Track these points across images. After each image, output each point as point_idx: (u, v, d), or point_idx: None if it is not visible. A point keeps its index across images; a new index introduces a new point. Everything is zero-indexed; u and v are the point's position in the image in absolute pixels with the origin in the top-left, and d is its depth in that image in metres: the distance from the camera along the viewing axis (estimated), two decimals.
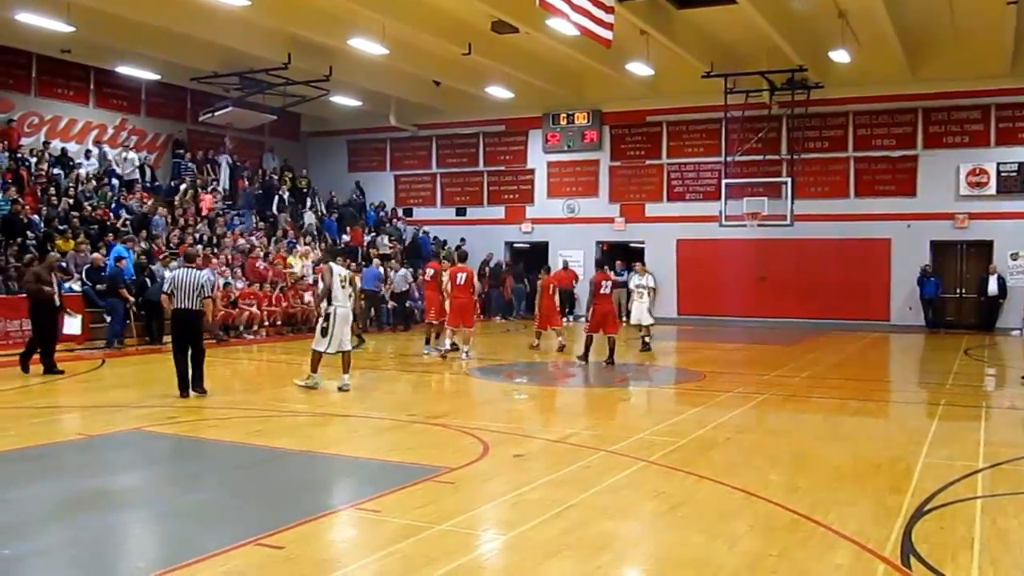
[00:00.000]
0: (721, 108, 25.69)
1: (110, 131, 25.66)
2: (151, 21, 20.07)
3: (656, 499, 7.10)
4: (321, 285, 12.97)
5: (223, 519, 6.63)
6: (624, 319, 20.15)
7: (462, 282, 17.28)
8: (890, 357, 20.36)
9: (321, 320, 12.72)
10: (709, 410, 11.43)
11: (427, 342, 17.95)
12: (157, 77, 25.04)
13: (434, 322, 17.93)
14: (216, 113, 24.86)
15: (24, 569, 5.55)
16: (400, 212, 31.59)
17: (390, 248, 27.30)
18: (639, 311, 18.37)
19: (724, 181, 25.86)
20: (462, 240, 28.78)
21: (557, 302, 18.95)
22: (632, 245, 28.96)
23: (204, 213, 24.61)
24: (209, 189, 25.95)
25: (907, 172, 25.72)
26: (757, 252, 26.61)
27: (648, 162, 28.52)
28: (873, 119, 26.03)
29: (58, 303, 14.28)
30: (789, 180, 25.53)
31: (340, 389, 12.57)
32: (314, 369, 12.72)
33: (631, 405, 13.06)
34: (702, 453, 8.84)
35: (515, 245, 30.46)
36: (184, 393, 11.70)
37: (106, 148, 24.90)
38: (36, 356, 14.03)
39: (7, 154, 21.54)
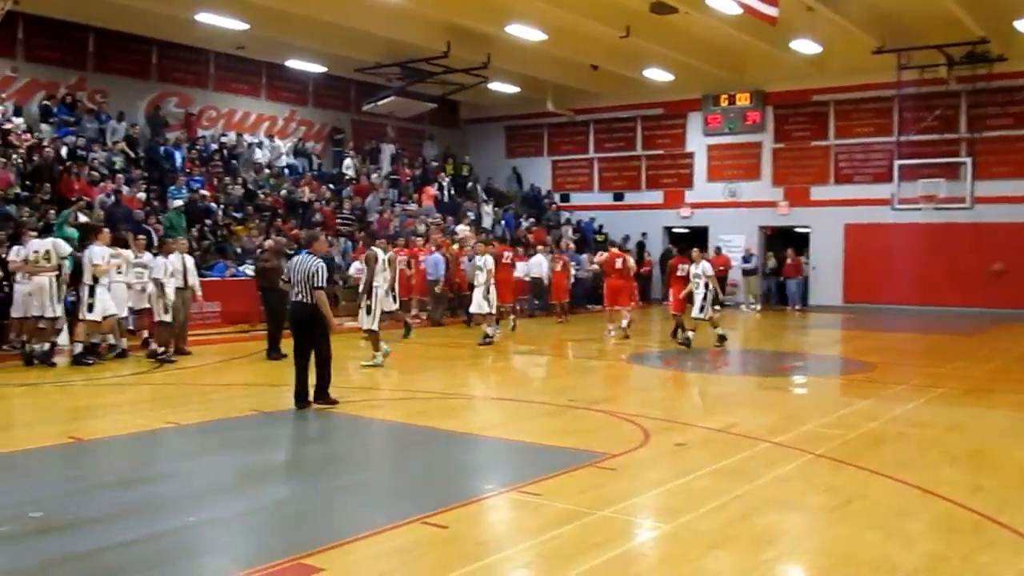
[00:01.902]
0: (893, 85, 24.59)
1: (280, 123, 26.81)
2: (319, 16, 20.76)
3: (825, 493, 6.88)
4: (366, 269, 13.61)
5: (389, 496, 6.83)
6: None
7: (620, 266, 18.23)
8: None
9: (364, 299, 13.40)
10: (880, 402, 10.99)
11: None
12: (324, 70, 25.97)
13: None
14: (379, 103, 25.53)
15: (207, 535, 5.90)
16: (557, 198, 31.65)
17: (574, 239, 27.37)
18: (700, 302, 16.61)
19: (896, 162, 24.76)
20: (644, 235, 29.43)
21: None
22: (796, 230, 28.15)
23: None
24: (373, 177, 26.81)
25: None
26: (932, 237, 25.33)
27: (814, 143, 27.57)
28: None
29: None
30: (969, 160, 24.20)
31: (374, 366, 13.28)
32: (376, 348, 13.47)
33: (796, 395, 12.70)
34: (874, 447, 8.50)
35: (673, 230, 30.06)
36: (298, 402, 9.89)
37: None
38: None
39: (187, 145, 22.88)
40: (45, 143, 19.02)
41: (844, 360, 16.26)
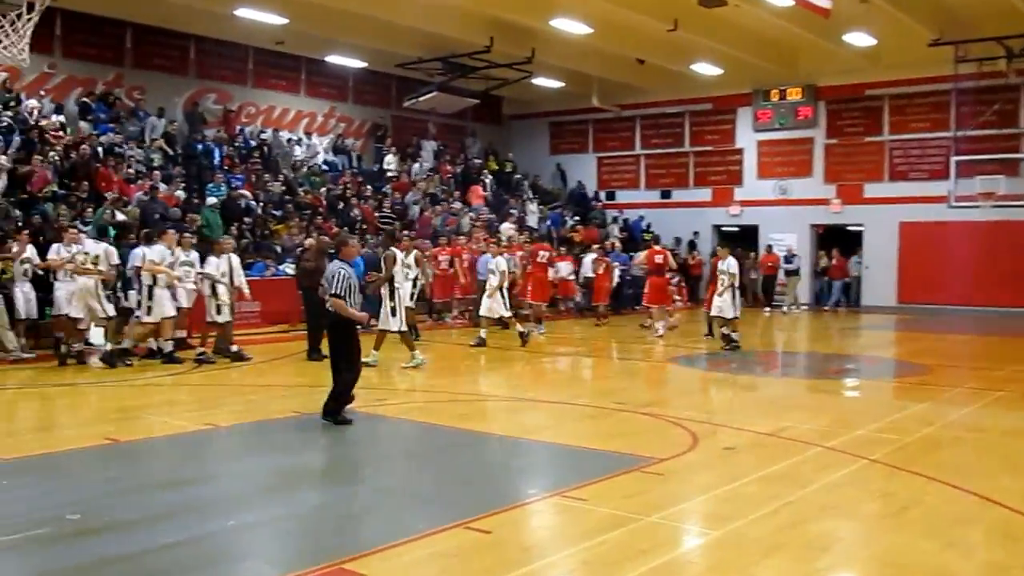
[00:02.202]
0: (950, 78, 24.18)
1: (319, 119, 26.98)
2: (359, 10, 20.87)
3: (880, 500, 6.80)
4: (384, 270, 13.66)
5: (430, 500, 6.84)
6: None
7: (660, 262, 18.50)
8: None
9: (388, 302, 13.41)
10: (936, 406, 10.83)
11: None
12: (364, 65, 26.10)
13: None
14: (420, 99, 25.57)
15: (246, 539, 5.97)
16: (603, 196, 31.50)
17: (620, 238, 27.29)
18: (719, 301, 16.31)
19: (953, 158, 24.35)
20: (696, 234, 29.39)
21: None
22: (849, 228, 27.81)
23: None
24: (415, 170, 26.97)
25: None
26: (990, 235, 24.87)
27: (867, 139, 27.21)
28: None
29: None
30: None
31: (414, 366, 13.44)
32: (412, 347, 13.69)
33: (848, 399, 12.56)
34: (929, 453, 8.38)
35: (723, 228, 29.83)
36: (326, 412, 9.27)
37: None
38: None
39: (226, 142, 23.11)
40: (83, 140, 19.23)
41: (898, 362, 16.06)
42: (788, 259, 26.97)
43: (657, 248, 19.26)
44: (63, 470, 7.73)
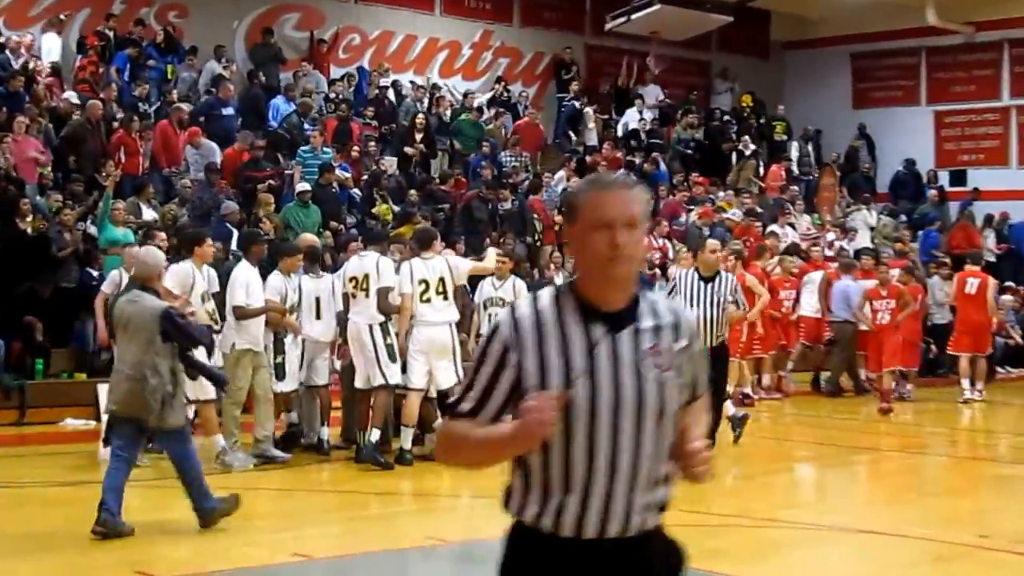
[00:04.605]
0: None
1: (466, 52, 27.57)
2: None
3: None
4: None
5: None
6: None
7: (973, 291, 19.55)
8: None
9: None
10: None
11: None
12: None
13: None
14: (633, 16, 25.81)
15: None
16: (943, 177, 30.86)
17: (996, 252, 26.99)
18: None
19: None
20: None
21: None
22: None
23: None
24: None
25: None
26: None
27: None
28: None
29: None
30: None
31: None
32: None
33: None
34: None
35: None
36: None
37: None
38: None
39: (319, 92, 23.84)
40: (92, 93, 20.05)
41: None
42: None
43: (971, 270, 20.18)
44: None
